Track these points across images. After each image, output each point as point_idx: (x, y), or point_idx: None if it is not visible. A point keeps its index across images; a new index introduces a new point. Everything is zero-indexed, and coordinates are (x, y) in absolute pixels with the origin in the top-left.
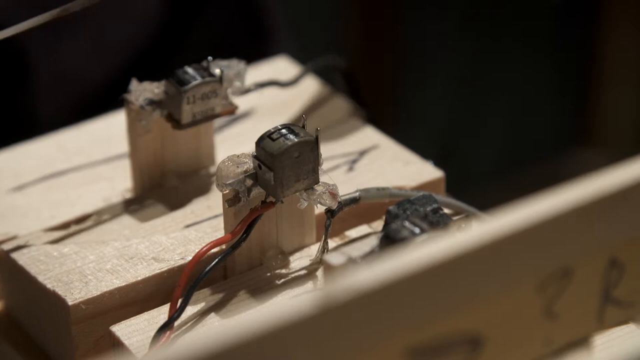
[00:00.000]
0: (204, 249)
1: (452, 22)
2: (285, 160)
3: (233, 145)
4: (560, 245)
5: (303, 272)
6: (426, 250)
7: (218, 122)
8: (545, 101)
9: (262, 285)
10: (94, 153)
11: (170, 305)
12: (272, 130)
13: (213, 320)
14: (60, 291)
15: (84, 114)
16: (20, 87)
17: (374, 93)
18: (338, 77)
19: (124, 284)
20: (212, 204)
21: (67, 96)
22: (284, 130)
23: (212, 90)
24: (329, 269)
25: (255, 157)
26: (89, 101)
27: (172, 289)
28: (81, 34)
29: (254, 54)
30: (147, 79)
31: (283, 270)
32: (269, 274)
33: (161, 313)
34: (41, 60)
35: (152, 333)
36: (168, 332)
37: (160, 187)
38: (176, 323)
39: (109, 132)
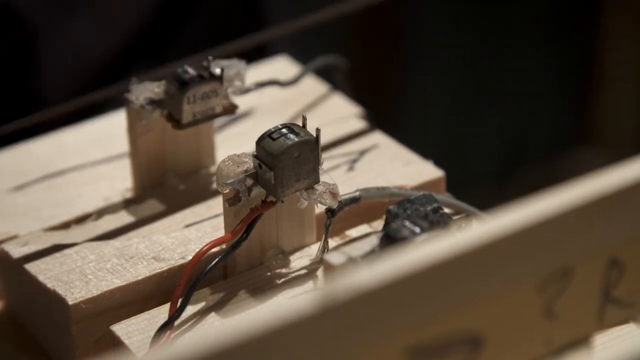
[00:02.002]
0: (204, 248)
1: (452, 22)
2: (286, 160)
3: (233, 144)
4: (560, 245)
5: (303, 271)
6: (426, 249)
7: (218, 121)
8: (545, 101)
9: (262, 285)
10: (94, 153)
11: (171, 305)
12: (273, 130)
13: (213, 320)
14: (60, 290)
15: (89, 92)
16: (27, 66)
17: (374, 93)
18: (338, 77)
19: (124, 284)
20: (212, 203)
21: (72, 74)
22: (284, 130)
23: (212, 90)
24: (329, 268)
25: (256, 156)
26: (93, 79)
27: (172, 289)
28: (86, 14)
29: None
30: (150, 58)
31: (283, 270)
32: (269, 274)
33: (161, 312)
34: (47, 39)
35: (153, 332)
36: (168, 332)
37: (161, 186)
38: (176, 323)
39: (109, 132)
